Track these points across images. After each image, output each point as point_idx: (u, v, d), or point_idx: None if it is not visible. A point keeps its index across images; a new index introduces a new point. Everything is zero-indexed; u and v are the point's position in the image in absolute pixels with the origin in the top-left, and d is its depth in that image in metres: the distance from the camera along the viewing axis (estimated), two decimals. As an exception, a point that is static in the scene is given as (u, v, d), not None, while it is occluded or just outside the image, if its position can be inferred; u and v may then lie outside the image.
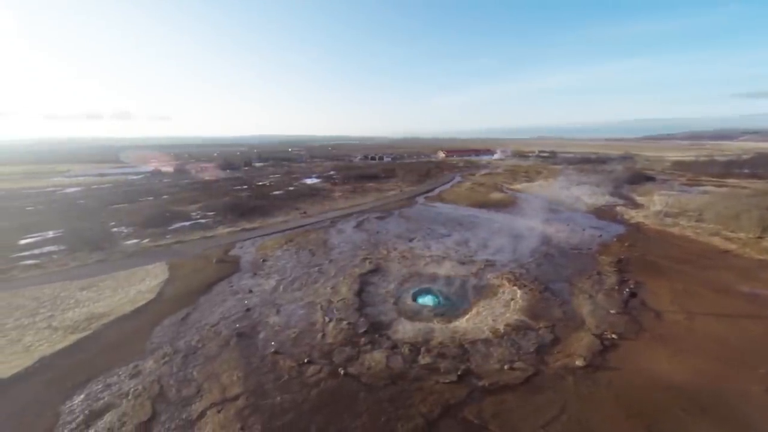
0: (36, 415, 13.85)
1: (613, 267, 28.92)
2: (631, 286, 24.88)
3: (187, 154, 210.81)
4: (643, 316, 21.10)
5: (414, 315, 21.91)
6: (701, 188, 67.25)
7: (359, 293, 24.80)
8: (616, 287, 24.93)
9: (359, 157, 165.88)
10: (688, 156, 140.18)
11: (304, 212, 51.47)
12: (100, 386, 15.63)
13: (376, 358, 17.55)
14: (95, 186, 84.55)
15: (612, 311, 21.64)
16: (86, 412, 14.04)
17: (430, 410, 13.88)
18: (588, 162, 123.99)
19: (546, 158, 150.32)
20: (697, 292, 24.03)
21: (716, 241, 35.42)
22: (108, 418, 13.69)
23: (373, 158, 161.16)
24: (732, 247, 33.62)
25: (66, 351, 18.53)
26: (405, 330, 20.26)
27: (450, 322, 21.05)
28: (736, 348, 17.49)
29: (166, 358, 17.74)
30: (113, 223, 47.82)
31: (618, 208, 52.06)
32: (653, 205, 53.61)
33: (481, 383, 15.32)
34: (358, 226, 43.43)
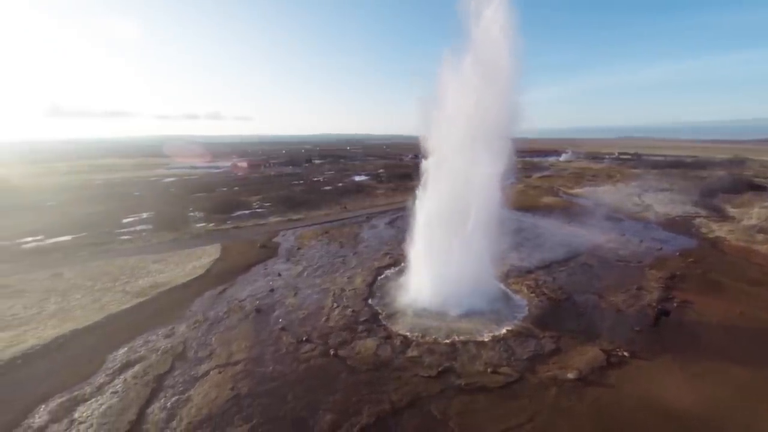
0: (88, 360, 17.62)
1: (661, 283, 25.55)
2: (674, 304, 21.89)
3: (260, 151, 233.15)
4: (672, 336, 18.58)
5: (417, 310, 22.26)
6: (827, 200, 54.18)
7: (371, 284, 25.97)
8: (654, 304, 22.15)
9: (410, 156, 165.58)
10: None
11: (345, 207, 54.28)
12: (141, 342, 19.19)
13: (368, 345, 18.52)
14: (186, 177, 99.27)
15: (636, 328, 19.46)
16: (124, 361, 17.47)
17: (400, 399, 14.43)
18: (679, 166, 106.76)
19: (625, 161, 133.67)
20: (758, 317, 20.19)
21: (816, 264, 28.80)
22: (137, 368, 16.85)
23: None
24: (838, 272, 27.08)
25: (128, 311, 22.88)
26: (404, 323, 20.85)
27: (452, 321, 20.99)
28: (772, 382, 14.59)
29: (197, 324, 20.95)
30: (191, 209, 55.99)
31: (697, 220, 44.83)
32: (747, 219, 44.97)
33: (458, 382, 15.35)
34: (391, 222, 44.57)
